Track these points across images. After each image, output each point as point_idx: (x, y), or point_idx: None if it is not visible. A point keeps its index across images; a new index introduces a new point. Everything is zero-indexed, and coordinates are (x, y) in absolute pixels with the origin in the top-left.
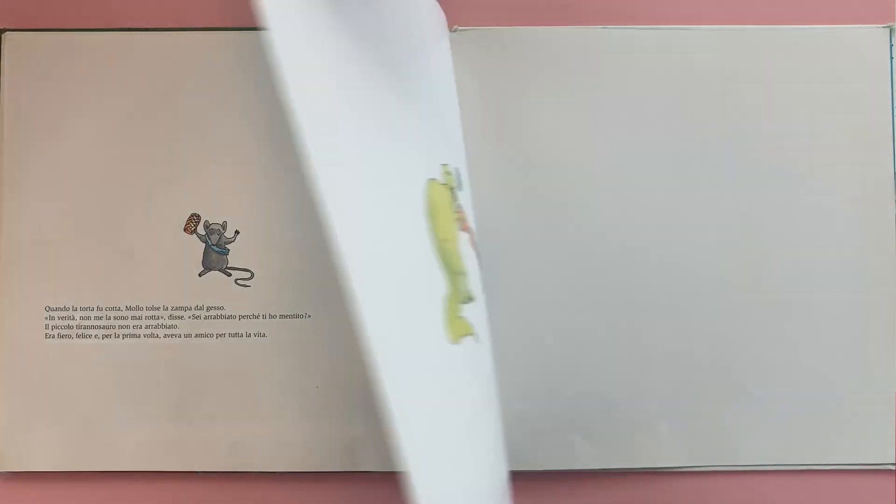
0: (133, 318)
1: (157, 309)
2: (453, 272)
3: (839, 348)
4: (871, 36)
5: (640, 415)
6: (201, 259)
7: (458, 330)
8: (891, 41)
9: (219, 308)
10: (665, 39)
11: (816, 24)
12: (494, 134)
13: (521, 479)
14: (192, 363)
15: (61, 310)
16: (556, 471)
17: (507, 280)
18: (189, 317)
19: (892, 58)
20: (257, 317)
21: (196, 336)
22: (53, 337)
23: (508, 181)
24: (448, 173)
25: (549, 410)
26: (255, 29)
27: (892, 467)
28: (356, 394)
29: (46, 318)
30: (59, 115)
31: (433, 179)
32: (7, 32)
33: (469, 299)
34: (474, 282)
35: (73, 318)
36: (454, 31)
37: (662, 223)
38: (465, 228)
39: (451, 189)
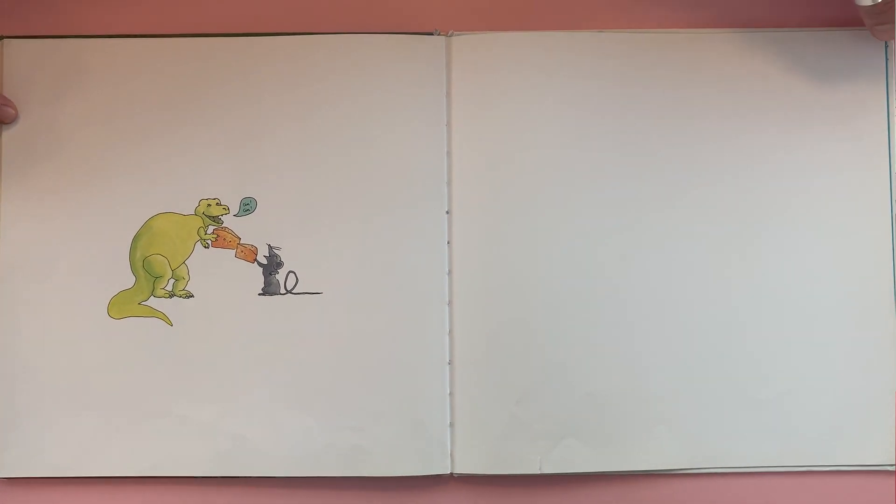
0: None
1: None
2: (151, 276)
3: (838, 349)
4: (867, 39)
5: (637, 417)
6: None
7: (125, 312)
8: (886, 43)
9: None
10: (661, 43)
11: (812, 28)
12: (489, 135)
13: (517, 482)
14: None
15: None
16: (553, 474)
17: (503, 280)
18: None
19: (887, 59)
20: None
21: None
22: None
23: (505, 181)
24: (209, 205)
25: (545, 413)
26: (253, 35)
27: (892, 468)
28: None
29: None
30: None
31: (164, 213)
32: (7, 39)
33: (171, 295)
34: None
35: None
36: (450, 36)
37: (661, 223)
38: (226, 245)
39: (211, 217)
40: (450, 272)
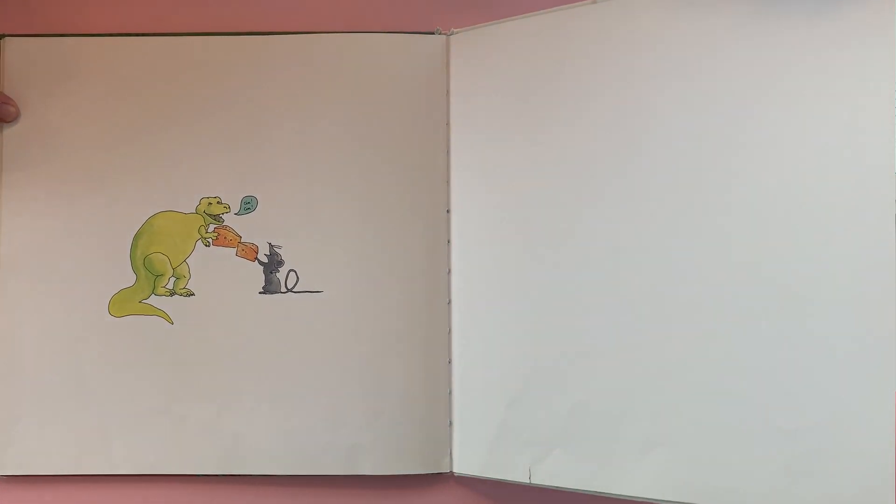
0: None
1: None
2: (152, 274)
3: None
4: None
5: (633, 435)
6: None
7: (125, 310)
8: None
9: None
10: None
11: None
12: (489, 132)
13: (503, 488)
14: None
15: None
16: (539, 486)
17: (499, 281)
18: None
19: None
20: None
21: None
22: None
23: (505, 179)
24: (210, 203)
25: (535, 419)
26: (252, 34)
27: None
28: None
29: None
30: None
31: (165, 211)
32: (7, 38)
33: (172, 293)
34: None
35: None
36: (451, 34)
37: (667, 217)
38: (227, 244)
39: (212, 215)
40: (450, 271)
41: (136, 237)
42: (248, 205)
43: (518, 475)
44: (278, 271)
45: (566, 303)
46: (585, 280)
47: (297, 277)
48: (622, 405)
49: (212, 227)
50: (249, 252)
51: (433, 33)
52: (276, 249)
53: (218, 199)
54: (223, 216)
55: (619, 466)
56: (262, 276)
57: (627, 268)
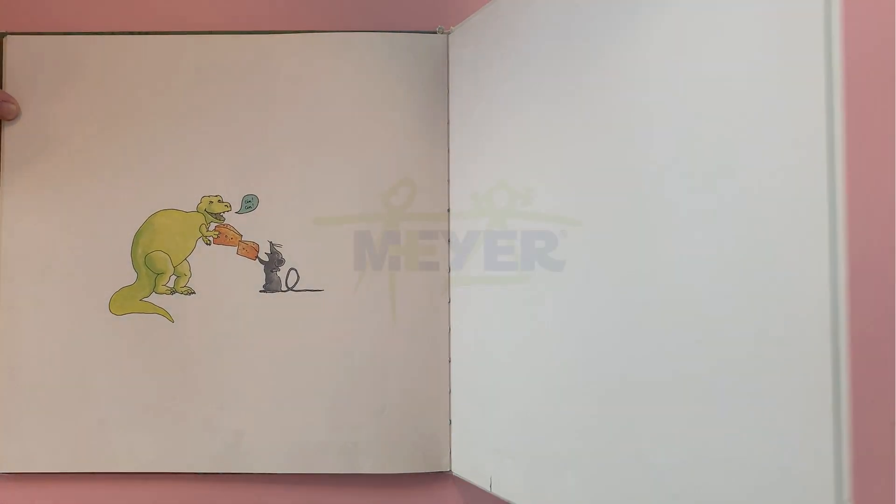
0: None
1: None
2: (153, 272)
3: (769, 393)
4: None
5: (550, 455)
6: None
7: (126, 308)
8: None
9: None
10: None
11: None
12: (488, 128)
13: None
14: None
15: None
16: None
17: (502, 277)
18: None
19: None
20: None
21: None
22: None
23: (503, 176)
24: (211, 202)
25: (494, 427)
26: (252, 33)
27: None
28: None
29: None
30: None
31: (166, 210)
32: (9, 36)
33: (172, 291)
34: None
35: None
36: (450, 33)
37: (659, 224)
38: (228, 242)
39: (213, 214)
40: (450, 271)
41: (137, 235)
42: (249, 203)
43: (482, 482)
44: (279, 270)
45: (547, 304)
46: (582, 276)
47: (298, 276)
48: (546, 422)
49: (213, 226)
50: (250, 250)
51: (434, 32)
52: (277, 248)
53: (219, 198)
54: (224, 214)
55: (541, 485)
56: (263, 275)
57: (607, 272)
